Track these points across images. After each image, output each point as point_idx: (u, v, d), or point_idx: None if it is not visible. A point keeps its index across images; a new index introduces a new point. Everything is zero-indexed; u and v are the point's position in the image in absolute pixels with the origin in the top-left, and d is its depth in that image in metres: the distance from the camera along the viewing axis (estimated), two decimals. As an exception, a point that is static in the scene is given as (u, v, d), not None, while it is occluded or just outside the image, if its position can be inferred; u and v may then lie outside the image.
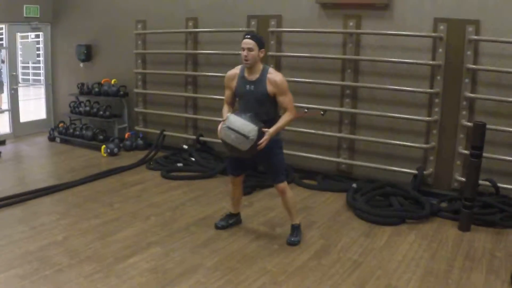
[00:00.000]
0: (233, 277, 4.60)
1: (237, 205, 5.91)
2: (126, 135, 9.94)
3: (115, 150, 9.41)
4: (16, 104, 11.43)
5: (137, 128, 10.03)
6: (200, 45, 8.96)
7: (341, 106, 7.39)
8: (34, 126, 11.79)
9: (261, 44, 5.07)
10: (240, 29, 8.13)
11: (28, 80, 18.94)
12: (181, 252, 5.14)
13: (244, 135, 4.82)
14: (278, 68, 7.86)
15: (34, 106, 13.76)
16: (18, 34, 11.81)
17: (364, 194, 6.56)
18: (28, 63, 16.51)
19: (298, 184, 7.39)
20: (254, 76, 5.11)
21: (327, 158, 7.56)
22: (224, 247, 5.25)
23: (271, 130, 4.96)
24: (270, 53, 7.82)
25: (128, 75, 10.01)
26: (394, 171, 6.94)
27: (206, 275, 4.64)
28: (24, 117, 11.71)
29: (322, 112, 7.12)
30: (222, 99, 8.20)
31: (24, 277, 4.58)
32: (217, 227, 5.74)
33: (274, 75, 5.08)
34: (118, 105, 10.33)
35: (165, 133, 9.34)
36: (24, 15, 11.01)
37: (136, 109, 9.97)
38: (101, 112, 10.17)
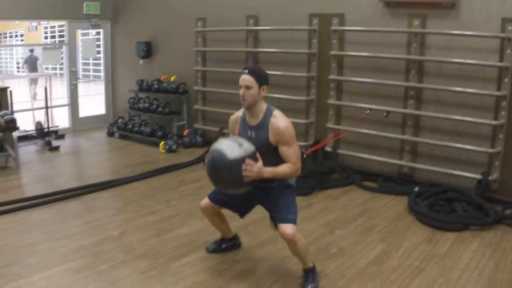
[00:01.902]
0: (290, 281, 4.64)
1: (227, 230, 5.22)
2: (185, 132, 10.18)
3: (174, 146, 9.64)
4: (76, 99, 11.85)
5: (196, 125, 10.26)
6: (260, 43, 9.07)
7: (405, 107, 7.38)
8: (93, 121, 12.22)
9: (261, 80, 4.37)
10: (302, 27, 8.24)
11: (88, 76, 19.42)
12: (238, 253, 5.23)
13: (239, 143, 4.19)
14: (340, 67, 7.96)
15: (93, 101, 14.17)
16: (79, 31, 12.17)
17: (426, 198, 6.54)
18: (89, 60, 16.95)
19: (359, 186, 7.41)
20: (256, 121, 4.43)
21: (389, 160, 7.56)
22: (281, 249, 5.22)
23: (267, 168, 4.19)
24: (332, 52, 7.90)
25: (187, 72, 10.24)
26: (458, 175, 6.88)
27: (262, 277, 4.70)
28: (84, 112, 12.18)
29: (385, 114, 7.18)
30: (282, 98, 8.44)
31: (78, 272, 4.76)
32: (207, 251, 5.26)
33: (278, 119, 4.35)
34: (177, 102, 10.57)
35: (224, 131, 9.44)
36: (85, 12, 11.41)
37: (195, 107, 10.19)
38: (160, 109, 10.44)
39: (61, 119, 11.59)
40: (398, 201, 6.82)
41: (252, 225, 5.94)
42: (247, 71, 4.38)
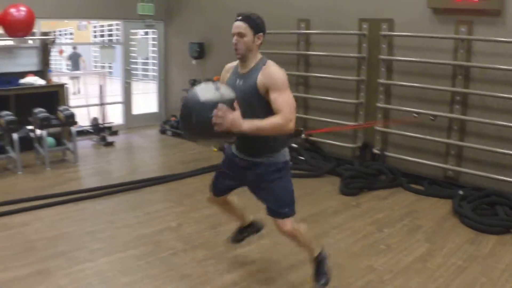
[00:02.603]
0: (340, 273, 4.87)
1: (241, 217, 5.06)
2: None
3: (225, 145, 9.81)
4: (129, 97, 12.30)
5: None
6: (311, 46, 9.29)
7: (451, 112, 7.52)
8: (145, 119, 12.69)
9: (257, 27, 3.96)
10: (352, 31, 8.43)
11: (137, 75, 19.96)
12: (289, 246, 5.37)
13: (216, 87, 3.72)
14: (389, 72, 8.15)
15: (142, 100, 14.63)
16: (133, 31, 12.63)
17: (470, 201, 6.69)
18: (137, 59, 17.45)
19: (406, 189, 7.61)
20: (247, 69, 4.02)
21: (435, 163, 7.70)
22: (331, 244, 5.55)
23: (246, 120, 3.63)
24: (381, 56, 8.10)
25: None
26: (501, 180, 6.96)
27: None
28: (135, 110, 12.65)
29: (432, 117, 7.38)
30: (332, 100, 8.71)
31: (140, 258, 5.21)
32: (230, 242, 5.20)
33: (270, 66, 3.94)
34: None
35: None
36: (139, 13, 11.81)
37: None
38: None
39: (113, 116, 12.07)
40: (443, 204, 7.01)
41: (302, 221, 6.13)
42: (240, 17, 3.98)
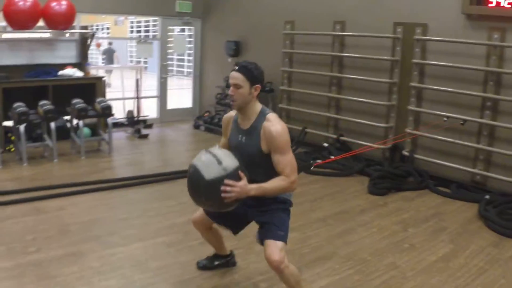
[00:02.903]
0: (364, 268, 5.07)
1: (220, 246, 4.93)
2: None
3: None
4: (165, 92, 12.58)
5: None
6: (346, 48, 9.45)
7: (481, 117, 7.58)
8: (179, 114, 12.99)
9: (254, 78, 3.84)
10: (386, 35, 8.56)
11: (172, 71, 20.27)
12: (317, 240, 5.70)
13: (218, 160, 3.65)
14: (421, 75, 8.26)
15: (176, 95, 14.90)
16: (171, 28, 12.91)
17: (496, 206, 6.75)
18: (173, 56, 17.73)
19: (433, 191, 7.69)
20: (247, 124, 3.94)
21: (463, 167, 7.77)
22: (357, 240, 5.77)
23: (253, 185, 3.67)
24: (414, 60, 8.20)
25: (274, 72, 10.61)
26: None
27: (339, 263, 5.17)
28: (169, 105, 12.93)
29: (461, 122, 7.46)
30: (364, 102, 8.84)
31: (171, 245, 5.45)
32: (198, 266, 5.01)
33: (271, 123, 3.80)
34: (263, 100, 10.71)
35: (306, 130, 9.92)
36: (177, 10, 12.12)
37: (280, 105, 10.62)
38: None
39: (148, 110, 12.37)
40: (469, 207, 7.07)
41: (331, 218, 6.46)
42: (237, 67, 3.90)
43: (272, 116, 3.87)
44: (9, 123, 9.06)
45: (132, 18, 25.05)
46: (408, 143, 8.51)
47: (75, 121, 9.28)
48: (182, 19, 12.49)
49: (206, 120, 11.94)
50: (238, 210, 4.01)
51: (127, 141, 10.59)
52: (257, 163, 3.85)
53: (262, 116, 3.87)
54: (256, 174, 3.80)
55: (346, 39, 9.47)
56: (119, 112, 11.58)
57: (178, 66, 21.94)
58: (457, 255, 5.51)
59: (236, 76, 3.81)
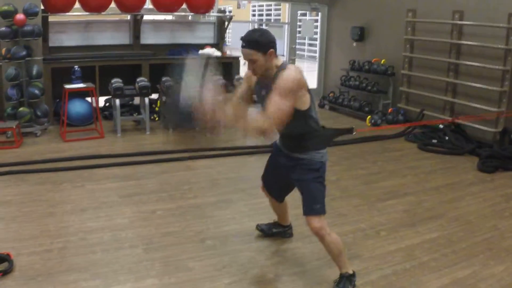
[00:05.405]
0: (468, 227, 5.88)
1: (282, 216, 5.30)
2: (389, 110, 11.43)
3: (379, 121, 10.97)
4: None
5: (399, 105, 11.58)
6: (464, 36, 10.12)
7: None
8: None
9: (264, 47, 3.80)
10: (501, 25, 9.15)
11: (303, 55, 21.33)
12: (430, 203, 6.66)
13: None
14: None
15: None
16: (299, 13, 14.08)
17: None
18: (305, 40, 18.83)
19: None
20: (269, 78, 3.92)
21: None
22: (464, 206, 6.63)
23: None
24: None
25: (396, 57, 11.50)
26: None
27: (448, 222, 6.05)
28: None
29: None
30: (480, 88, 9.43)
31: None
32: (257, 228, 5.42)
33: (285, 70, 3.81)
34: (384, 83, 11.89)
35: (424, 112, 10.71)
36: (306, -4, 13.00)
37: (400, 88, 11.45)
38: (369, 87, 11.83)
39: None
40: None
41: (443, 187, 7.36)
42: (244, 44, 3.85)
43: (290, 66, 3.91)
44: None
45: (255, 2, 26.13)
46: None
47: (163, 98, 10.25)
48: (310, 5, 13.51)
49: (330, 99, 12.95)
50: (274, 172, 4.63)
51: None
52: None
53: (281, 68, 3.85)
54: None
55: (463, 28, 10.13)
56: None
57: (310, 51, 22.89)
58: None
59: (247, 53, 3.83)
